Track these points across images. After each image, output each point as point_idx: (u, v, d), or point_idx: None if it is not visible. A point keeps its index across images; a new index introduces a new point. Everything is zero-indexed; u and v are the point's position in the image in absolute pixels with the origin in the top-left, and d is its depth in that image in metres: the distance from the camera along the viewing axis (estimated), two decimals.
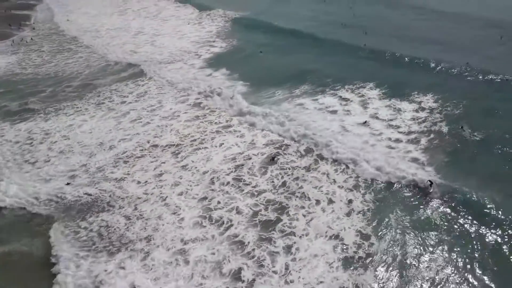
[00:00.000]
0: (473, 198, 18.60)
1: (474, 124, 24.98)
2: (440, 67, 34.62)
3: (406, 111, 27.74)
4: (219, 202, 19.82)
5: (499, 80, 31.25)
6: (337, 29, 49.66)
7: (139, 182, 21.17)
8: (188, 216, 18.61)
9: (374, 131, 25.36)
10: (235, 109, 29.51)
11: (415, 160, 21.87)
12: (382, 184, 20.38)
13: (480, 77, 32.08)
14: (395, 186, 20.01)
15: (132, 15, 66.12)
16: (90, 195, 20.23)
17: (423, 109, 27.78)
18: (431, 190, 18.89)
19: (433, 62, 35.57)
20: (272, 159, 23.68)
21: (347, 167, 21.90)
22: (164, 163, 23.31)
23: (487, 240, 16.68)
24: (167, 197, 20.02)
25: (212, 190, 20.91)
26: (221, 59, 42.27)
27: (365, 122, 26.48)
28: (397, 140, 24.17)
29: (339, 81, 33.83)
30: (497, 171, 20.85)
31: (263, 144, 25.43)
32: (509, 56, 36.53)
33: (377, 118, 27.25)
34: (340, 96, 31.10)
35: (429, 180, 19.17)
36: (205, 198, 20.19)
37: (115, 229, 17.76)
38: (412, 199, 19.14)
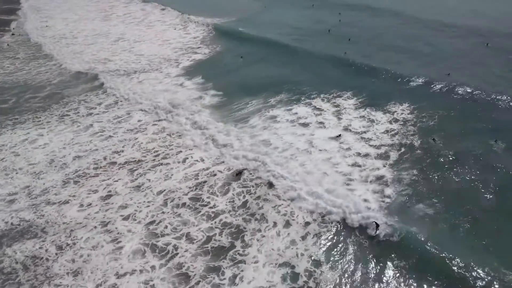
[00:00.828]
0: (420, 243, 16.49)
1: (446, 137, 23.75)
2: (420, 77, 33.08)
3: (380, 123, 26.46)
4: (166, 227, 18.40)
5: (477, 93, 29.71)
6: (322, 35, 48.40)
7: (81, 205, 19.71)
8: (128, 245, 17.17)
9: (343, 145, 24.00)
10: (195, 127, 27.73)
11: (379, 179, 20.44)
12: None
13: (459, 89, 30.45)
14: (342, 222, 18.16)
15: (116, 20, 64.85)
16: (26, 221, 18.75)
17: (396, 120, 26.48)
18: (377, 232, 17.21)
19: (413, 72, 34.13)
20: (239, 174, 22.34)
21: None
22: (117, 181, 21.91)
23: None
24: (109, 222, 18.59)
25: (163, 212, 19.51)
26: (200, 67, 41.01)
27: (339, 135, 25.09)
28: (366, 155, 22.82)
29: (317, 89, 32.59)
30: (460, 193, 19.46)
31: (234, 158, 24.06)
32: (492, 67, 34.99)
33: (349, 130, 26.00)
34: (315, 106, 29.83)
35: (375, 222, 17.50)
36: (152, 222, 18.77)
37: (43, 260, 16.33)
38: (357, 238, 17.37)
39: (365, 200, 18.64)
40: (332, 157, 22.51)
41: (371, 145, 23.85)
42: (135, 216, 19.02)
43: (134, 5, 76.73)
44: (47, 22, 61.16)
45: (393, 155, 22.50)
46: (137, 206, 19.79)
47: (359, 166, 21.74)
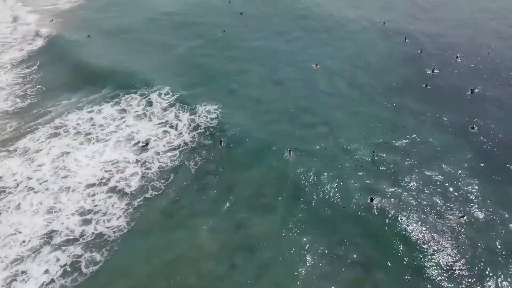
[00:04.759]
0: None
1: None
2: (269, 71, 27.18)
3: (178, 133, 21.25)
4: None
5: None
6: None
7: None
8: None
9: (106, 173, 18.50)
10: None
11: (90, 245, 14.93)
12: None
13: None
14: None
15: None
16: None
17: (197, 127, 21.54)
18: None
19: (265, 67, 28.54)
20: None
21: None
22: None
23: None
24: None
25: None
26: (47, 49, 34.55)
27: (146, 144, 20.44)
28: (119, 192, 17.39)
29: (150, 78, 26.90)
30: None
31: None
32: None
33: (138, 143, 20.47)
34: (123, 108, 24.17)
35: None
36: None
37: None
38: None
39: None
40: (63, 206, 16.79)
41: (144, 171, 18.49)
42: None
43: None
44: None
45: (154, 189, 17.26)
46: None
47: (92, 214, 16.30)
